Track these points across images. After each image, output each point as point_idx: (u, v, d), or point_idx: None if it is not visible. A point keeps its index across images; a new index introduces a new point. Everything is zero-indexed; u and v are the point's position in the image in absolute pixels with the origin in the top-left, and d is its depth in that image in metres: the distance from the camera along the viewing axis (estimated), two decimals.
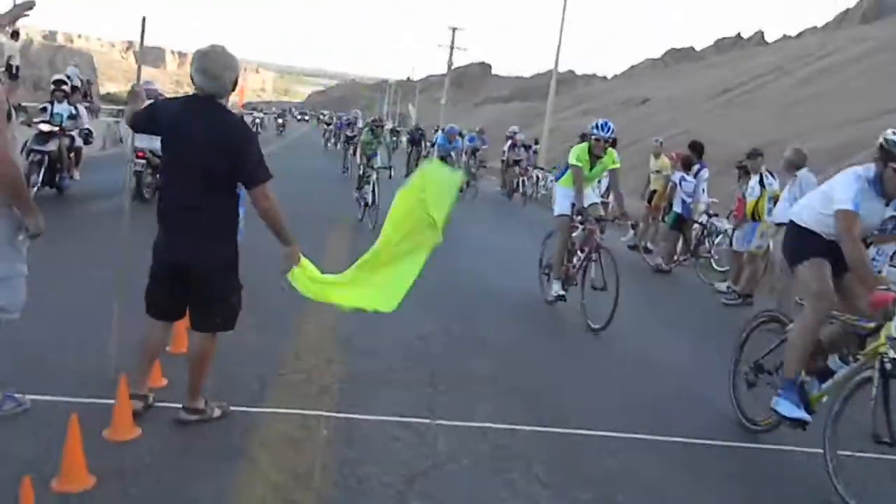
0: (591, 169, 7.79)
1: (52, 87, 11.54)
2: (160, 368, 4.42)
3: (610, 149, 7.84)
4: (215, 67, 3.74)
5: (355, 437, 4.12)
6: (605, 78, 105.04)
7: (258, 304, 6.48)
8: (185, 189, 3.74)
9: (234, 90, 3.87)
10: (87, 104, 16.78)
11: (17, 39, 18.81)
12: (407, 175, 10.62)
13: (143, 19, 4.36)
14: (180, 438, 3.88)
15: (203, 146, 3.67)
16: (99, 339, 4.58)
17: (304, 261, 4.01)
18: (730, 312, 9.20)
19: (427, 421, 4.43)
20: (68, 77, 12.77)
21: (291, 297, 6.64)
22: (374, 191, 11.77)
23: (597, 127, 7.66)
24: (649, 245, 13.08)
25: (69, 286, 6.13)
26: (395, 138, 36.16)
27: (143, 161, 11.26)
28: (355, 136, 21.13)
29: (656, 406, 5.26)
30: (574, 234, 7.87)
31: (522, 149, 22.40)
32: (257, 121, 36.38)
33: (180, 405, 4.04)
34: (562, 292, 7.75)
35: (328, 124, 36.70)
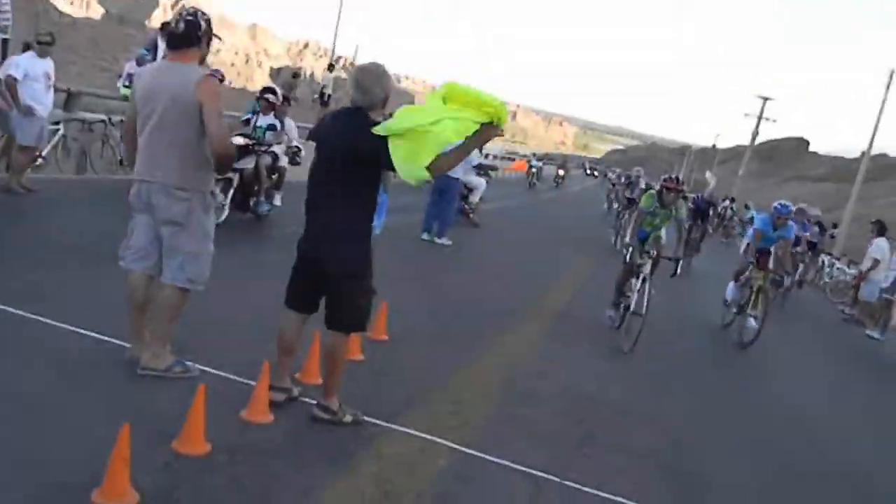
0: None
1: (257, 96, 10.11)
2: (317, 367, 4.66)
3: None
4: (368, 81, 3.95)
5: (469, 475, 3.99)
6: None
7: (445, 330, 6.65)
8: (324, 192, 3.96)
9: (384, 106, 4.03)
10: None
11: (331, 71, 21.55)
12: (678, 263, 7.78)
13: None
14: (305, 433, 4.04)
15: (343, 151, 3.87)
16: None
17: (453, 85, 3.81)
18: None
19: (554, 479, 4.15)
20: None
21: (480, 333, 6.73)
22: (644, 290, 7.46)
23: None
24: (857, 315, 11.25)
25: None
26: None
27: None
28: (636, 200, 14.73)
29: None
30: None
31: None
32: (534, 169, 33.48)
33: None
34: None
35: (614, 184, 29.94)
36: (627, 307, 7.67)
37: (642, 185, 18.27)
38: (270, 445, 3.79)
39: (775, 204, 9.46)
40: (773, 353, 9.17)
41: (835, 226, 25.65)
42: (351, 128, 3.92)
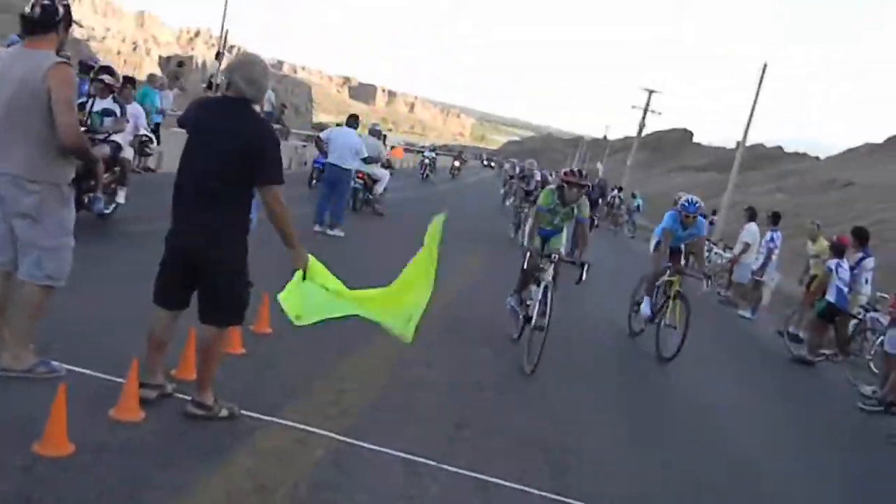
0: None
1: (91, 77, 8.72)
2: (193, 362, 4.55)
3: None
4: (257, 73, 3.92)
5: (347, 465, 4.00)
6: (816, 158, 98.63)
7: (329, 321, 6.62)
8: (204, 184, 3.88)
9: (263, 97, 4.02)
10: (277, 127, 17.79)
11: (220, 60, 21.04)
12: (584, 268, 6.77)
13: None
14: (178, 430, 3.95)
15: (222, 144, 3.82)
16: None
17: (313, 260, 4.03)
18: (866, 420, 8.16)
19: (433, 464, 4.23)
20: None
21: (365, 322, 6.73)
22: (546, 300, 6.59)
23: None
24: (801, 334, 11.94)
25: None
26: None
27: (362, 181, 14.81)
28: (534, 192, 15.46)
29: None
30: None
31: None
32: (427, 161, 32.56)
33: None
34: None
35: (511, 176, 27.53)
36: (528, 319, 6.62)
37: (538, 178, 18.29)
38: (140, 444, 3.69)
39: (682, 202, 8.84)
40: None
41: (714, 213, 26.93)
42: (242, 122, 3.88)
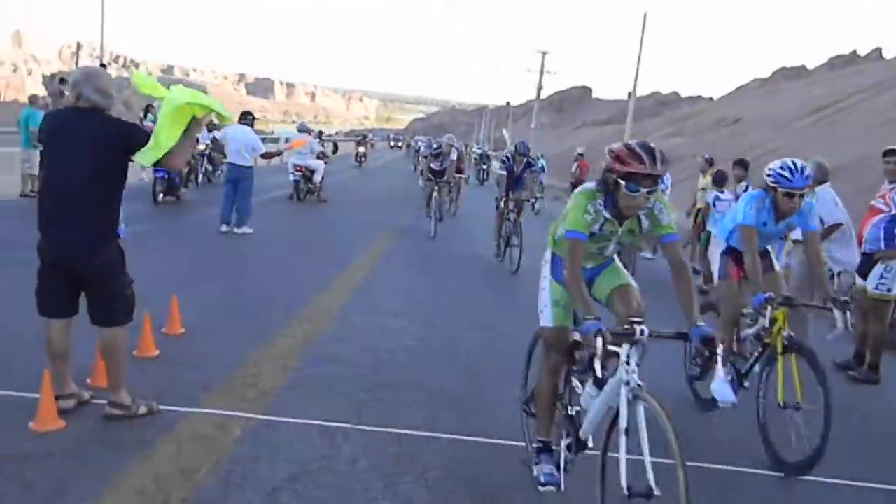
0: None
1: None
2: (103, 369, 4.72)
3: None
4: (104, 83, 4.18)
5: (265, 439, 4.28)
6: (710, 99, 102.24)
7: (242, 315, 6.84)
8: (71, 195, 4.05)
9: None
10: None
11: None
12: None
13: None
14: (99, 431, 4.15)
15: (88, 148, 4.01)
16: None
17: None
18: None
19: (348, 426, 4.55)
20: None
21: (279, 312, 6.94)
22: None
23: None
24: (696, 266, 12.71)
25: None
26: (485, 166, 35.14)
27: (300, 173, 17.50)
28: (444, 172, 15.22)
29: None
30: None
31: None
32: (317, 148, 29.43)
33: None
34: None
35: (425, 156, 21.44)
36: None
37: (453, 157, 15.52)
38: (63, 449, 3.88)
39: (774, 170, 8.46)
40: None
41: None
42: (104, 122, 4.09)
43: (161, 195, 14.02)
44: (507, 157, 12.51)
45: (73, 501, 3.40)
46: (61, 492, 3.48)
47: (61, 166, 4.07)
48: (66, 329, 4.26)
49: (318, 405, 4.83)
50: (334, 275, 9.32)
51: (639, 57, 29.63)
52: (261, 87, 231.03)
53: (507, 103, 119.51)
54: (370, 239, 12.94)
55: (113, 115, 4.25)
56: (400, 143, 76.58)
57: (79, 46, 76.76)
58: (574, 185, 21.73)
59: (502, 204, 11.73)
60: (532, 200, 14.08)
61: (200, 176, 18.53)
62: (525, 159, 12.04)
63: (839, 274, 8.57)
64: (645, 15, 29.43)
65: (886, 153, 6.77)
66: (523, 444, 4.35)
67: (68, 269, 4.12)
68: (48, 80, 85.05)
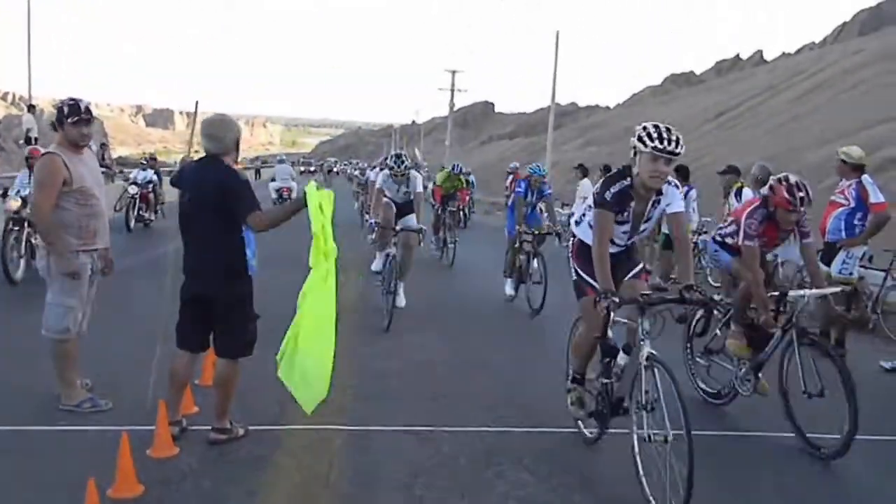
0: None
1: None
2: (191, 397, 5.02)
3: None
4: (217, 130, 4.49)
5: (368, 446, 4.71)
6: (607, 108, 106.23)
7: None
8: (199, 234, 4.43)
9: (237, 149, 4.59)
10: (103, 169, 17.31)
11: (33, 113, 19.98)
12: None
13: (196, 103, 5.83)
14: (213, 453, 4.46)
15: (212, 195, 4.35)
16: (144, 376, 5.16)
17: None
18: None
19: (430, 428, 4.99)
20: None
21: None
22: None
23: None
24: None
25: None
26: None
27: (288, 195, 19.77)
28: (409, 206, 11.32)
29: None
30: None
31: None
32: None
33: (209, 427, 4.63)
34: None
35: (364, 184, 20.99)
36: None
37: (418, 187, 10.49)
38: (194, 469, 4.19)
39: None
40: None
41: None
42: (212, 173, 4.39)
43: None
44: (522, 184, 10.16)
45: None
46: (225, 499, 3.81)
47: (189, 208, 4.48)
48: (192, 361, 4.61)
49: (393, 414, 5.25)
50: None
51: (554, 73, 30.93)
52: (160, 118, 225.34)
53: (413, 122, 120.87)
54: None
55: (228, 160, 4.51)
56: (312, 168, 72.31)
57: (3, 95, 73.15)
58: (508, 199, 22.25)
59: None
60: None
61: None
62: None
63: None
64: (557, 33, 30.81)
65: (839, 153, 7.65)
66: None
67: (204, 302, 4.43)
68: None
